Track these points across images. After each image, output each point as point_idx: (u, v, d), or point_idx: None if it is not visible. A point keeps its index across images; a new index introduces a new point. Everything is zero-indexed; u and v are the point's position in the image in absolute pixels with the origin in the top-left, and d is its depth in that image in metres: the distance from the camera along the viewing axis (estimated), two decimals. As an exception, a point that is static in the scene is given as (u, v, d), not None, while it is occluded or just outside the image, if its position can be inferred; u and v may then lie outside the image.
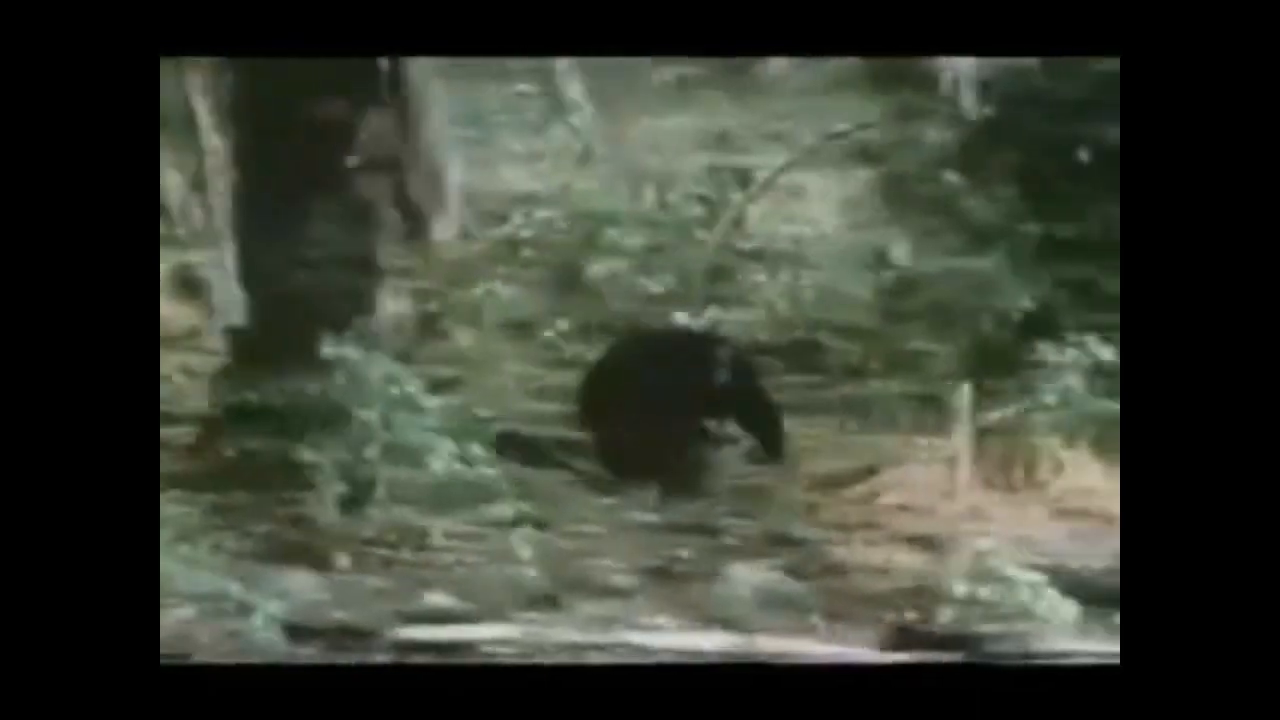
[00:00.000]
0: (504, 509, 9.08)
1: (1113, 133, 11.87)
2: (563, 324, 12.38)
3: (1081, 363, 10.52)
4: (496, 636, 7.70)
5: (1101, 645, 8.32)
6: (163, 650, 5.99)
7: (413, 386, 9.37)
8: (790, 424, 10.88)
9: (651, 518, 9.77)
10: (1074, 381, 10.49)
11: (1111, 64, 11.21)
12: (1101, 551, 9.18)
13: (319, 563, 8.55)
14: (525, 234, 13.51)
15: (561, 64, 13.89)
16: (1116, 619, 8.57)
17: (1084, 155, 11.97)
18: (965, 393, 10.12)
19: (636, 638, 8.00)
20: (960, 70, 12.01)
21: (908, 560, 9.22)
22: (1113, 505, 9.87)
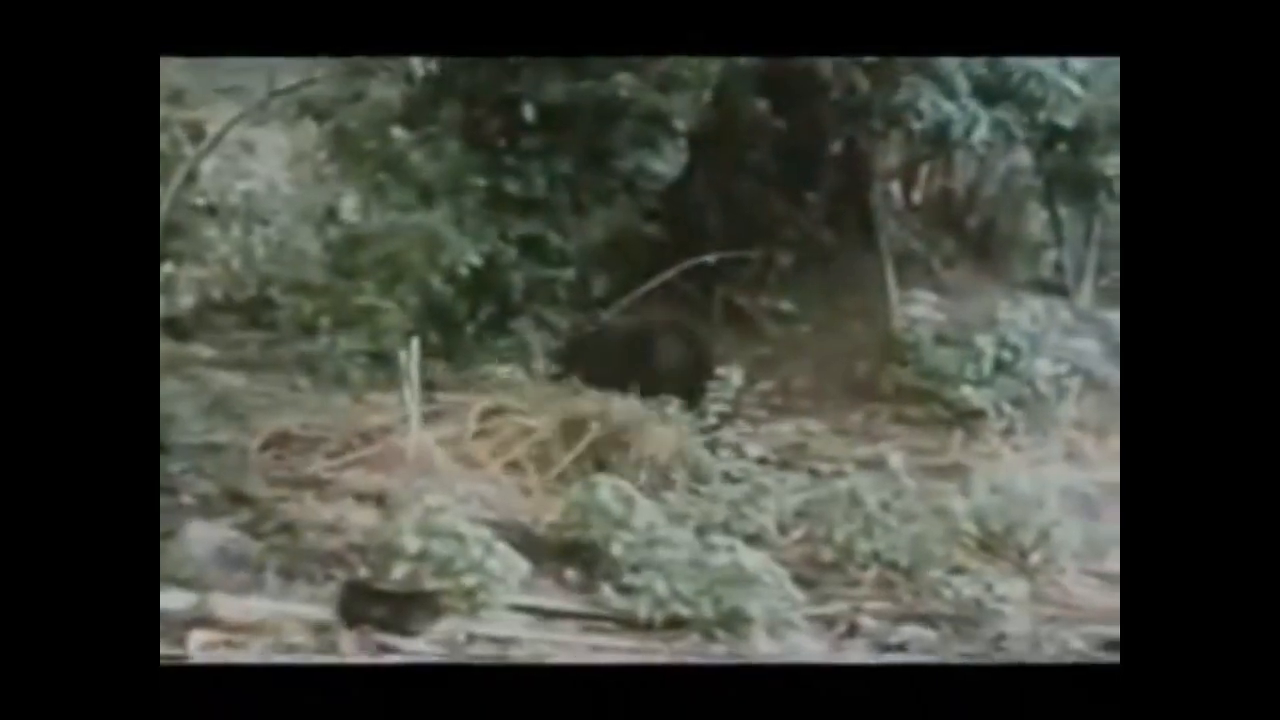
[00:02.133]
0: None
1: (557, 90, 12.25)
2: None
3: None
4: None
5: (547, 600, 8.62)
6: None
7: None
8: (243, 381, 10.86)
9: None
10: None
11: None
12: (553, 506, 9.46)
13: None
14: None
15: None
16: (567, 573, 8.94)
17: (528, 113, 12.21)
18: (414, 348, 10.24)
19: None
20: (407, 26, 12.07)
21: (360, 517, 9.28)
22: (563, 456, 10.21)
